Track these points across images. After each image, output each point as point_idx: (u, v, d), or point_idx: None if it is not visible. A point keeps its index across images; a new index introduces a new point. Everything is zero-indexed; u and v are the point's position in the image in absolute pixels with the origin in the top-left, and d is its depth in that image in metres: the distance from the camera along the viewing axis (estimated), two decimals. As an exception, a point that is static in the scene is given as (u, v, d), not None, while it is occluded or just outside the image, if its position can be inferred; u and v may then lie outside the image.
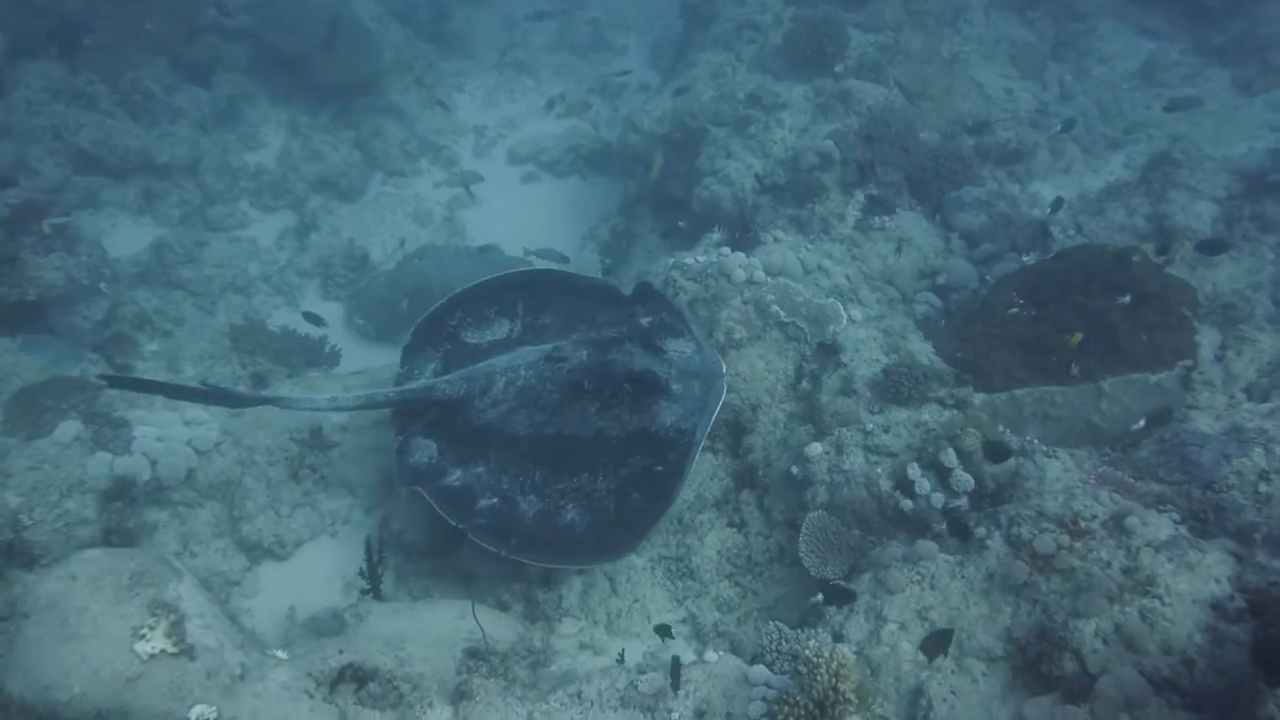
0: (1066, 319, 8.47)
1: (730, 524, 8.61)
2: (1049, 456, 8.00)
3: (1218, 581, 5.84)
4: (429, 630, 6.90)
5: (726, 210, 11.70)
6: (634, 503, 7.52)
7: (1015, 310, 8.82)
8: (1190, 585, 5.84)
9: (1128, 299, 8.27)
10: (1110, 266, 8.53)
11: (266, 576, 8.50)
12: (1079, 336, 8.12)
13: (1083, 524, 6.40)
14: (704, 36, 15.50)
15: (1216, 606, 5.67)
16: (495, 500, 7.63)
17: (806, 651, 5.48)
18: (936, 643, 6.17)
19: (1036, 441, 8.05)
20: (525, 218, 15.48)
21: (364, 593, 7.72)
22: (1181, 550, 6.02)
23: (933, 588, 6.70)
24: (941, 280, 10.39)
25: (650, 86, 18.11)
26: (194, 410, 8.91)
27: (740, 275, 9.66)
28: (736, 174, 11.90)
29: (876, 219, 11.33)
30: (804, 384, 9.06)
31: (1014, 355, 8.56)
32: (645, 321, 8.68)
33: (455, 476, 7.81)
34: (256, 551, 8.56)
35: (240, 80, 15.66)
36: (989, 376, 8.48)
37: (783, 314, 9.30)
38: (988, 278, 9.72)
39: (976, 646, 6.27)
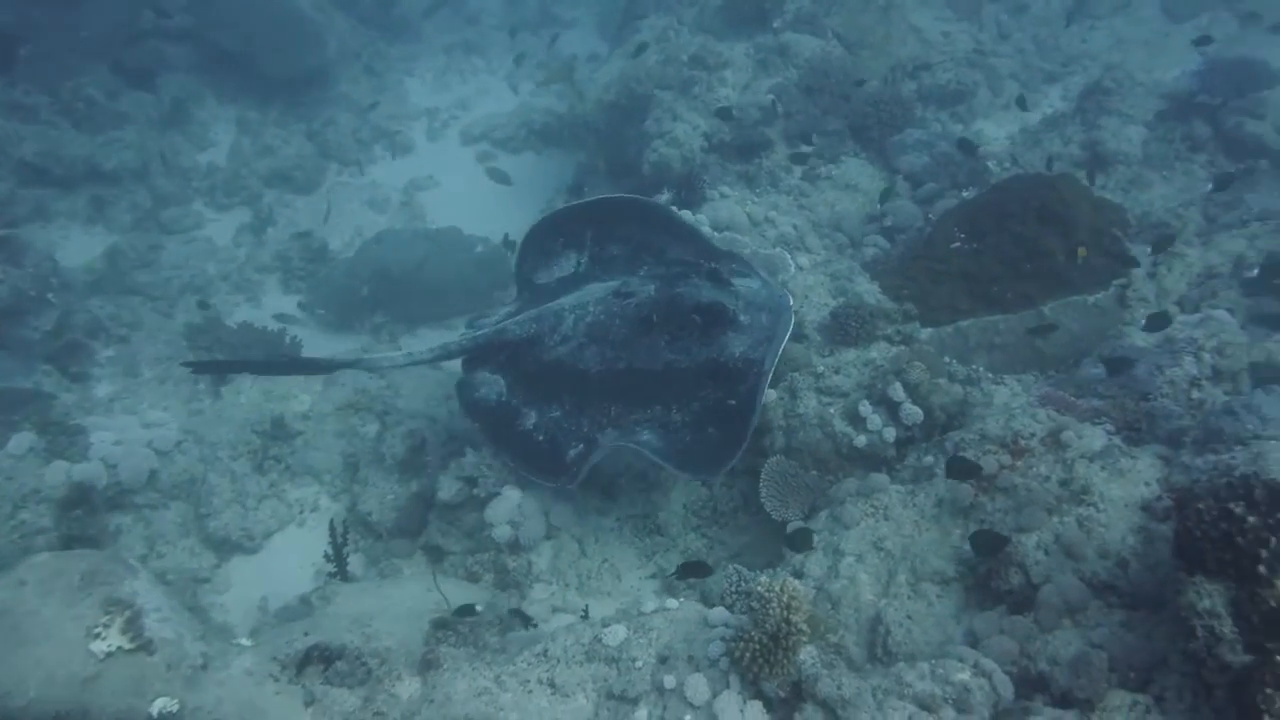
0: (1005, 249, 8.60)
1: (695, 477, 8.71)
2: (996, 384, 8.16)
3: (1148, 485, 6.01)
4: (396, 606, 7.01)
5: (677, 171, 11.79)
6: (710, 437, 7.46)
7: (957, 245, 8.95)
8: (1122, 491, 6.01)
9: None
10: (1043, 194, 8.65)
11: (237, 571, 8.60)
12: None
13: (1022, 442, 6.55)
14: (646, 1, 15.55)
15: (1147, 508, 5.84)
16: (581, 446, 7.67)
17: (759, 588, 5.61)
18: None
19: (982, 369, 8.18)
20: (483, 197, 15.48)
21: (331, 575, 7.83)
22: (1114, 459, 6.19)
23: (886, 518, 6.83)
24: (888, 222, 10.51)
25: (600, 56, 18.13)
26: (154, 412, 9.00)
27: (686, 233, 9.72)
28: (684, 135, 11.97)
29: (822, 168, 11.45)
30: (755, 334, 9.15)
31: (957, 288, 8.69)
32: (712, 256, 8.66)
33: (532, 420, 7.90)
34: (225, 547, 8.66)
35: (185, 81, 15.63)
36: (935, 310, 8.62)
37: (730, 267, 9.36)
38: (930, 216, 9.83)
39: (930, 570, 6.41)
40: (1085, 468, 6.18)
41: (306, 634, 6.28)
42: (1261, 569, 4.43)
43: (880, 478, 7.14)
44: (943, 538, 6.53)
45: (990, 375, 8.19)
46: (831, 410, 7.99)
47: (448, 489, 8.35)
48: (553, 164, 16.44)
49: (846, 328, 8.46)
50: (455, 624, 6.91)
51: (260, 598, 8.24)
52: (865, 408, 7.78)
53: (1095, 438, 6.38)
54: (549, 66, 17.00)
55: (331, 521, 8.09)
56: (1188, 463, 5.97)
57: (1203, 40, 11.08)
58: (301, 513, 9.04)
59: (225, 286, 13.28)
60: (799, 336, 8.73)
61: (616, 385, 7.82)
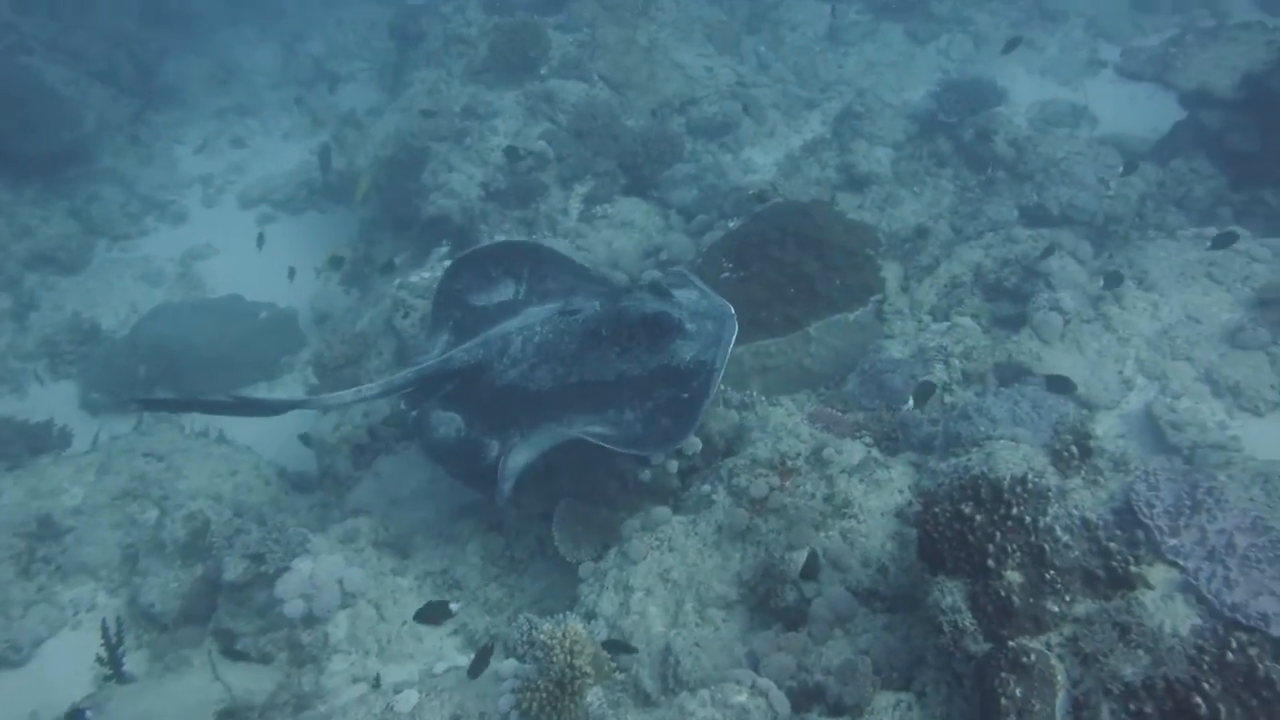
0: (769, 275, 8.95)
1: (490, 527, 8.66)
2: (773, 405, 8.46)
3: (901, 492, 6.37)
4: (178, 702, 6.71)
5: (457, 222, 11.82)
6: (663, 426, 7.37)
7: (725, 274, 9.25)
8: (879, 500, 6.34)
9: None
10: (798, 220, 9.06)
11: (4, 687, 7.99)
12: None
13: (790, 463, 6.81)
14: (416, 55, 15.57)
15: (900, 514, 6.19)
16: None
17: (541, 636, 5.63)
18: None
19: (755, 393, 8.47)
20: (266, 260, 15.01)
21: (108, 678, 7.39)
22: (871, 470, 6.52)
23: (671, 550, 6.96)
24: (663, 256, 10.77)
25: (379, 110, 17.96)
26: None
27: (461, 284, 9.70)
28: (461, 185, 12.03)
29: (598, 208, 11.68)
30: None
31: (728, 317, 8.96)
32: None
33: (494, 450, 7.66)
34: (-12, 663, 8.06)
35: (-80, 167, 14.62)
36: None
37: (506, 314, 9.40)
38: (701, 247, 10.14)
39: (714, 596, 6.57)
40: (846, 482, 6.49)
41: (76, 746, 5.92)
42: (990, 562, 4.75)
43: (663, 510, 7.27)
44: (724, 563, 6.71)
45: (765, 398, 8.48)
46: (615, 447, 8.10)
47: (234, 569, 8.01)
48: (337, 220, 16.14)
49: (624, 365, 8.59)
50: (243, 711, 6.65)
51: (30, 713, 7.68)
52: (647, 442, 7.93)
53: (854, 452, 6.70)
54: (313, 112, 16.72)
55: (103, 621, 7.63)
56: (934, 467, 6.35)
57: (1012, 43, 11.75)
58: (76, 614, 8.48)
59: (-15, 379, 12.45)
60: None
61: (571, 399, 7.78)
